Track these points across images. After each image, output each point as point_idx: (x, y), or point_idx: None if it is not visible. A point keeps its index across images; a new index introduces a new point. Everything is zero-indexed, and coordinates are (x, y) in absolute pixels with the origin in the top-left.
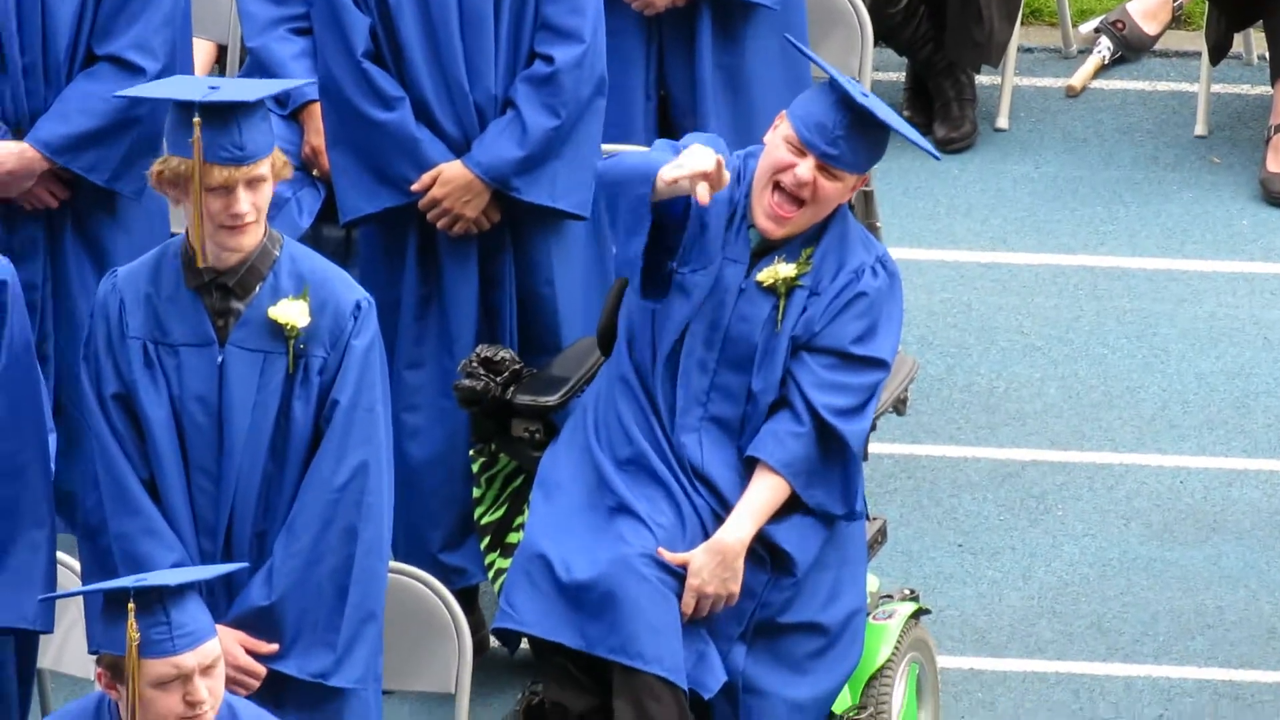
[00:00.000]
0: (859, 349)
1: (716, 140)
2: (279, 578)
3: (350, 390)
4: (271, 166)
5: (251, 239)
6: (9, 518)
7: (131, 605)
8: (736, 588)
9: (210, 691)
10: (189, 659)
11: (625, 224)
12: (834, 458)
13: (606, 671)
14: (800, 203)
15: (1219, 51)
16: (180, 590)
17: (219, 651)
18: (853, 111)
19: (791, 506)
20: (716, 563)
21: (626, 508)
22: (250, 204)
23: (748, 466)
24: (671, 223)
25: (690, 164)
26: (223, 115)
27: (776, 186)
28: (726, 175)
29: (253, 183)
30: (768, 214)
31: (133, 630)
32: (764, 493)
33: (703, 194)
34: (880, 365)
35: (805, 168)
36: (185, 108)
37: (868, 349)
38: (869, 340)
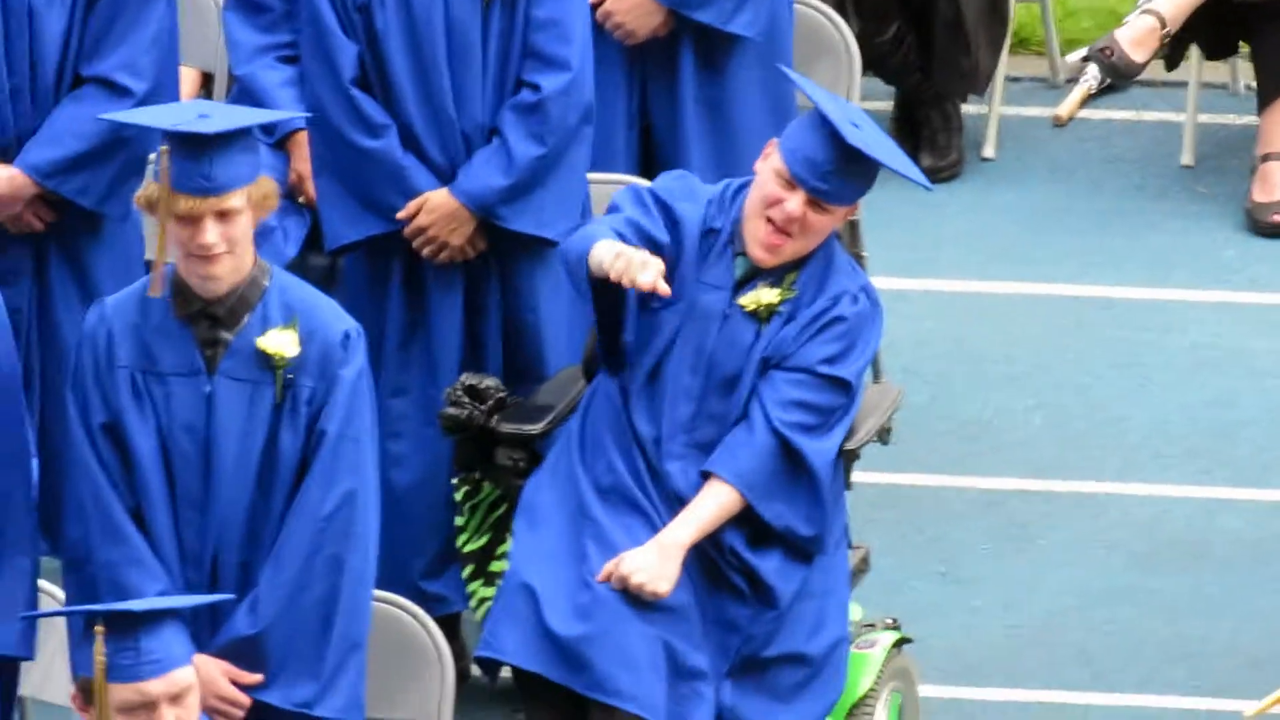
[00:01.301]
0: (826, 369)
1: (686, 177)
2: (264, 607)
3: (338, 420)
4: (249, 198)
5: (223, 269)
6: None
7: (99, 629)
8: (666, 588)
9: None
10: (155, 686)
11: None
12: (795, 475)
13: (588, 702)
14: (790, 234)
15: (1172, 62)
16: (151, 617)
17: (191, 681)
18: (842, 148)
19: (771, 538)
20: (651, 556)
21: (606, 540)
22: (219, 235)
23: (705, 482)
24: (614, 300)
25: (632, 276)
26: (193, 145)
27: (768, 218)
28: (663, 288)
29: (223, 214)
30: (761, 244)
31: (99, 654)
32: (711, 500)
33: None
34: (845, 387)
35: (795, 202)
36: (165, 136)
37: (834, 369)
38: (838, 362)
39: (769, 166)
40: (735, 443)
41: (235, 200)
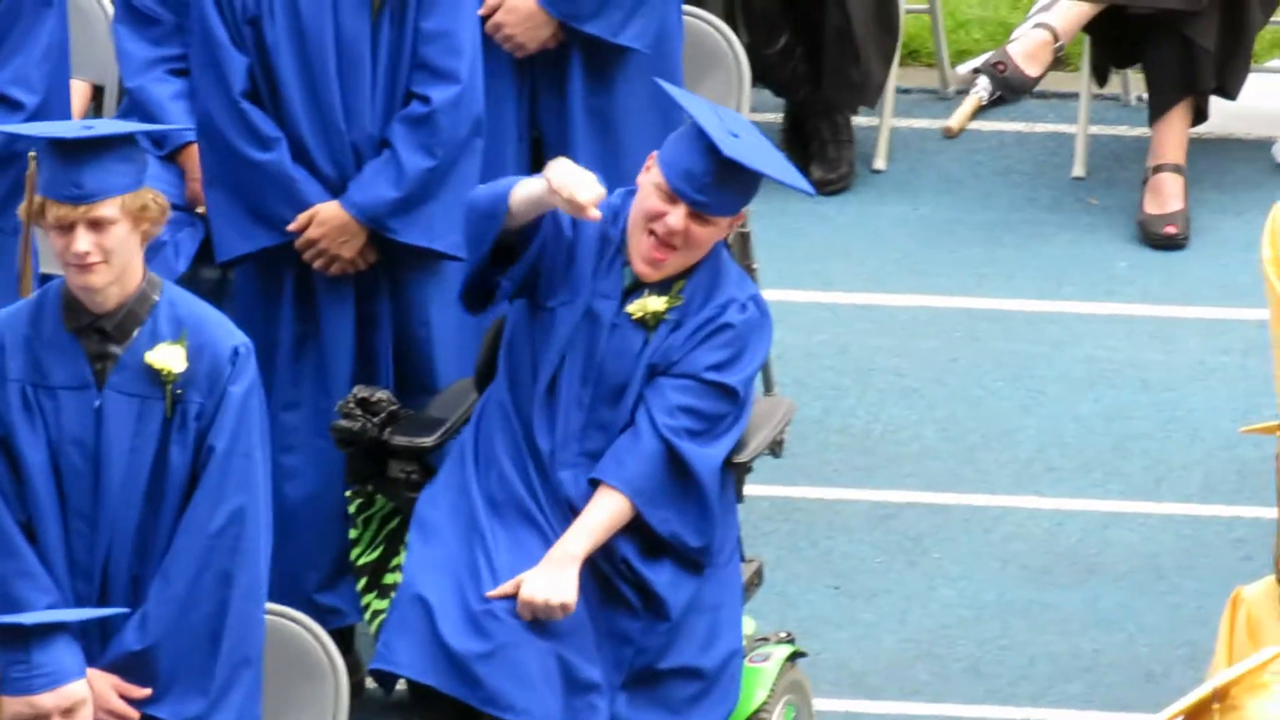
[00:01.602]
0: (712, 375)
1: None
2: (153, 623)
3: (227, 436)
4: (123, 208)
5: (100, 279)
6: None
7: None
8: (569, 599)
9: None
10: (46, 700)
11: (469, 237)
12: (682, 483)
13: (482, 715)
14: (674, 247)
15: (1100, 74)
16: (41, 631)
17: (83, 695)
18: (719, 160)
19: (661, 549)
20: (547, 572)
21: (498, 553)
22: (92, 244)
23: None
24: (519, 245)
25: (573, 191)
26: (63, 152)
27: (650, 232)
28: (595, 214)
29: (96, 223)
30: (644, 258)
31: None
32: (601, 509)
33: (594, 213)
34: (731, 394)
35: (676, 216)
36: (39, 145)
37: (721, 376)
38: (725, 369)
39: (649, 180)
40: (622, 449)
41: (107, 209)
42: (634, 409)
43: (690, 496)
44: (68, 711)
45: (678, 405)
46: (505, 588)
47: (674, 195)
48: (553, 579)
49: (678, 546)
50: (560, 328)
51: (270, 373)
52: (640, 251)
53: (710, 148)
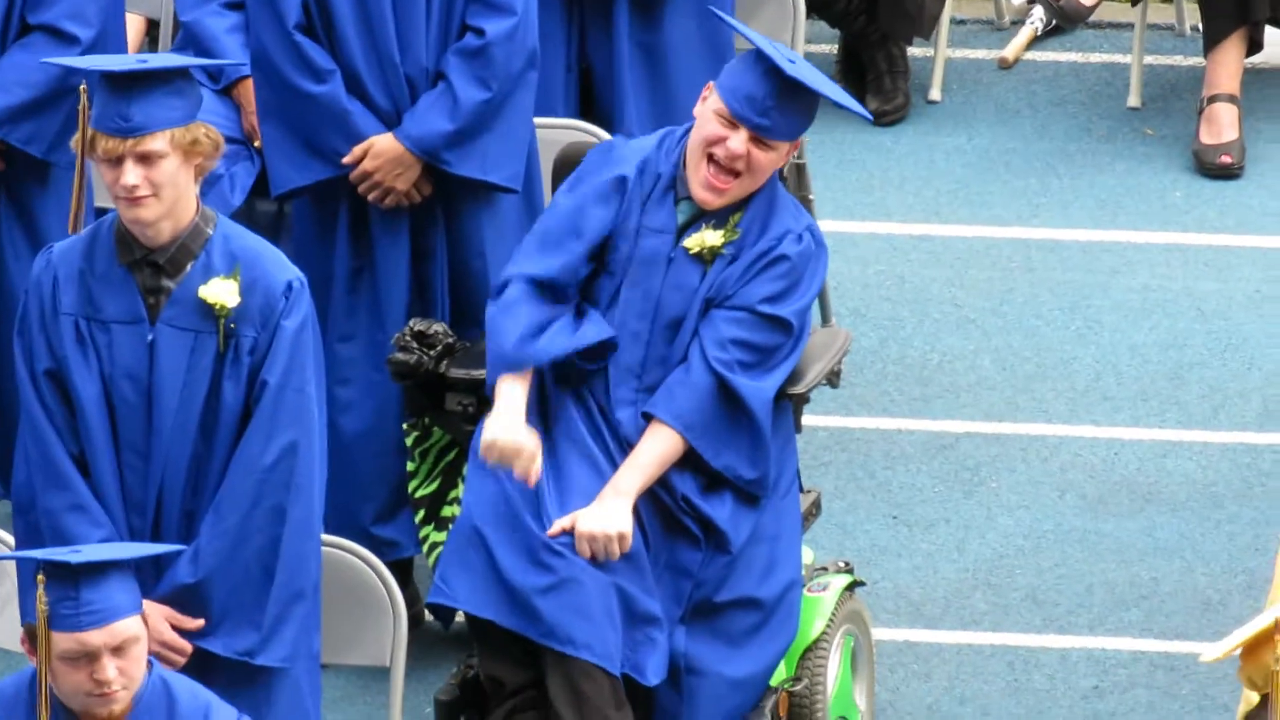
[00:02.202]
0: (766, 308)
1: (610, 147)
2: (205, 557)
3: (280, 370)
4: (173, 141)
5: (150, 213)
6: None
7: (41, 577)
8: (624, 529)
9: (121, 671)
10: (94, 637)
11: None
12: (733, 416)
13: (542, 648)
14: (736, 174)
15: None
16: (90, 568)
17: (135, 632)
18: (782, 81)
19: (721, 483)
20: (598, 508)
21: (557, 485)
22: (141, 178)
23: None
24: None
25: (502, 457)
26: (112, 85)
27: (710, 159)
28: (531, 480)
29: (144, 157)
30: (705, 185)
31: (41, 602)
32: (652, 444)
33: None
34: (784, 326)
35: (738, 141)
36: (90, 78)
37: (775, 308)
38: (779, 301)
39: (708, 108)
40: (674, 383)
41: (156, 143)
42: (689, 343)
43: (742, 428)
44: (117, 649)
45: (730, 338)
46: (562, 523)
47: (735, 120)
48: (607, 512)
49: (732, 479)
50: (616, 265)
51: (325, 305)
52: (700, 179)
53: (772, 70)
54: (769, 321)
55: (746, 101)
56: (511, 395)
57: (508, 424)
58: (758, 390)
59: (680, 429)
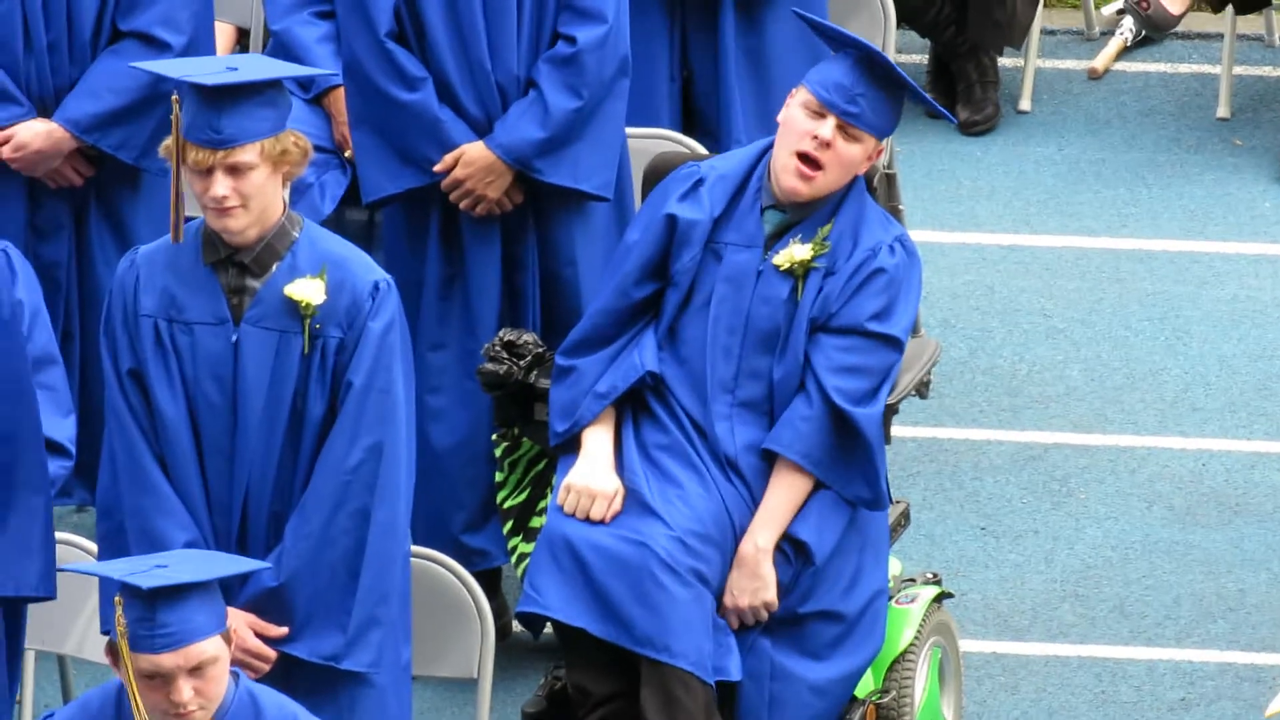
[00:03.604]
0: (876, 326)
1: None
2: (289, 559)
3: (365, 372)
4: (263, 153)
5: (237, 223)
6: (4, 484)
7: (118, 598)
8: (771, 595)
9: (198, 692)
10: (167, 660)
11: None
12: (853, 444)
13: (631, 656)
14: (820, 166)
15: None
16: (167, 591)
17: (213, 653)
18: (871, 67)
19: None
20: (743, 575)
21: (655, 496)
22: (229, 189)
23: (767, 460)
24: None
25: (578, 509)
26: (202, 97)
27: (798, 155)
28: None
29: (234, 168)
30: (793, 173)
31: (120, 623)
32: (784, 492)
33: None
34: (896, 345)
35: (826, 128)
36: (181, 88)
37: (884, 326)
38: (886, 318)
39: (795, 104)
40: (796, 418)
41: (246, 155)
42: (803, 368)
43: (859, 451)
44: (194, 670)
45: (846, 366)
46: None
47: (824, 108)
48: (749, 580)
49: (855, 501)
50: (704, 278)
51: (416, 313)
52: (788, 170)
53: (862, 57)
54: (880, 341)
55: (836, 89)
56: (596, 441)
57: (586, 471)
58: (870, 417)
59: (809, 467)
